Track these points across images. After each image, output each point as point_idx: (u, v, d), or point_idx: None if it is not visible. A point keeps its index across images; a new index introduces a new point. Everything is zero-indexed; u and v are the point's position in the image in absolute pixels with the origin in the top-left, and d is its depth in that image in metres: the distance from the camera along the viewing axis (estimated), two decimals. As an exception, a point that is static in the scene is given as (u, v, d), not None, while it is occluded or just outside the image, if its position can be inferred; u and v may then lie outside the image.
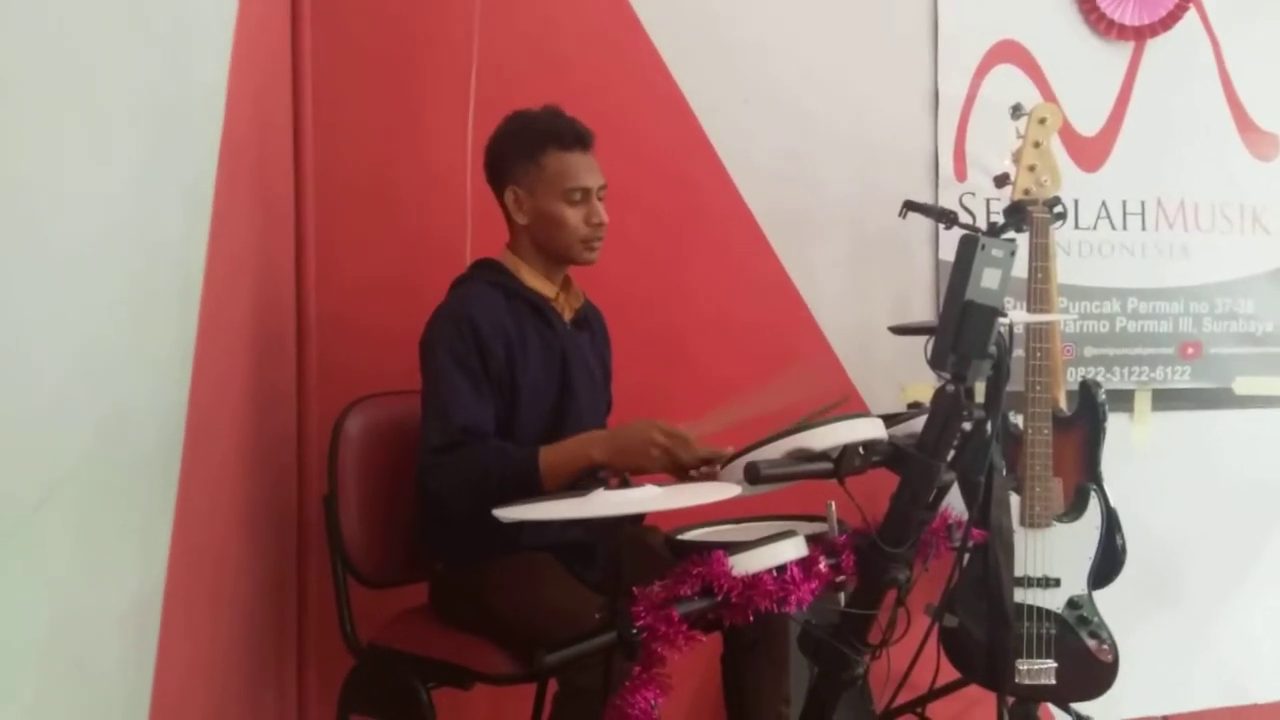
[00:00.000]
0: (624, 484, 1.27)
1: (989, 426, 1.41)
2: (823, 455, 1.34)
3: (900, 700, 1.70)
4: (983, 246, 1.37)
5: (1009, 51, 2.45)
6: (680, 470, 1.59)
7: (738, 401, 1.57)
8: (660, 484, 1.31)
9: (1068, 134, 2.44)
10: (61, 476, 0.94)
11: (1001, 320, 1.36)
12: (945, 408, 1.36)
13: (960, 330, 1.34)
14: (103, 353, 1.05)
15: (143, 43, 1.16)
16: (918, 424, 1.42)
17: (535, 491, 1.54)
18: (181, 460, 1.29)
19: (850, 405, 2.30)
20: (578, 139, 1.72)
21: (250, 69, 1.70)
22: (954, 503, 1.54)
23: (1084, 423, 2.22)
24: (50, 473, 0.92)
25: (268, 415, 1.85)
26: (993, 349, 1.35)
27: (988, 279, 1.38)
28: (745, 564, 1.24)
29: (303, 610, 2.08)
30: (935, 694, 1.87)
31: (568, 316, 1.80)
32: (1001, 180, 2.20)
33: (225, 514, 1.57)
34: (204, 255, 1.41)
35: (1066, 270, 2.41)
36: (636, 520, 1.70)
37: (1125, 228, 2.53)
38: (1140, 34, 2.49)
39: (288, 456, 2.04)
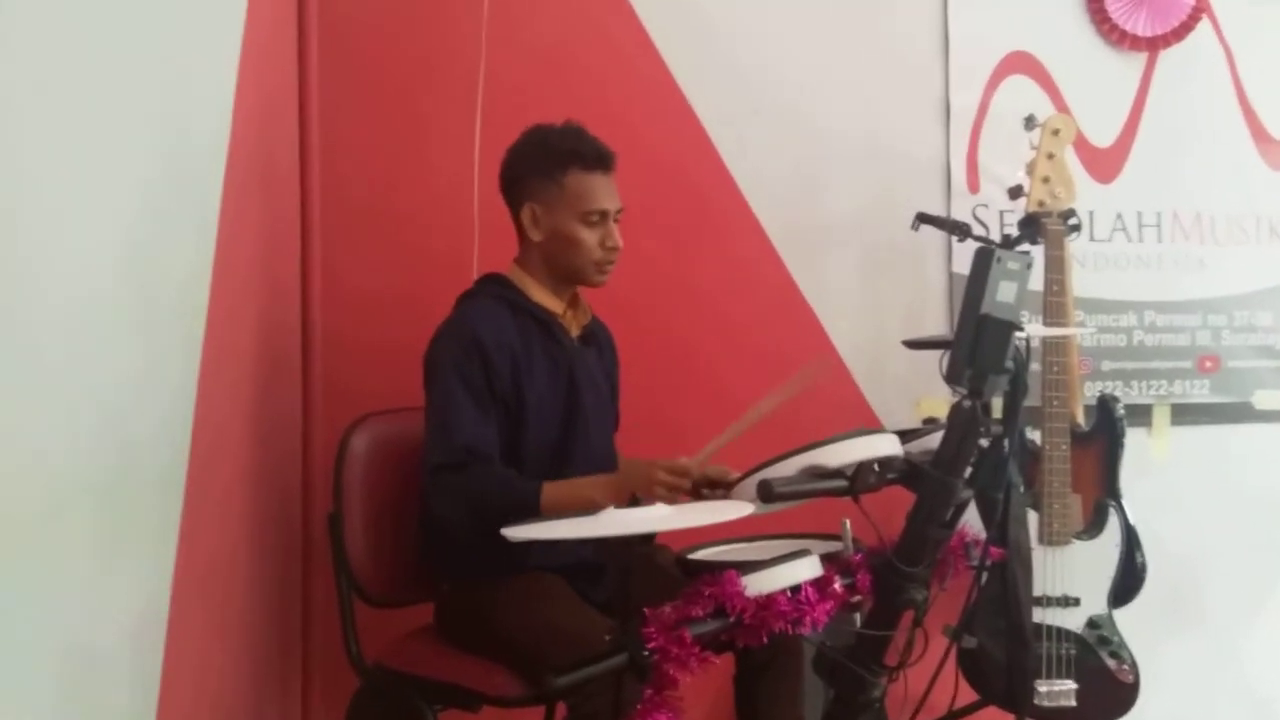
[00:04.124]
0: (634, 502, 1.24)
1: (1007, 443, 1.38)
2: (837, 472, 1.31)
3: (917, 723, 1.66)
4: (998, 259, 1.35)
5: (1020, 62, 2.44)
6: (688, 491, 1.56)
7: (737, 419, 1.55)
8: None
9: (1081, 145, 2.41)
10: (68, 494, 0.94)
11: (1018, 334, 1.33)
12: (962, 424, 1.33)
13: (977, 344, 1.32)
14: (109, 371, 1.05)
15: (149, 63, 1.16)
16: (934, 440, 1.39)
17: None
18: (187, 477, 1.28)
19: (858, 419, 2.30)
20: (600, 160, 1.70)
21: (256, 87, 1.69)
22: (971, 520, 1.51)
23: (1102, 438, 2.18)
24: (57, 491, 0.92)
25: (273, 432, 1.84)
26: (1010, 363, 1.32)
27: (1004, 292, 1.36)
28: (759, 584, 1.22)
29: (308, 629, 2.05)
30: (953, 716, 1.83)
31: (575, 332, 1.78)
32: (1016, 192, 2.18)
33: (230, 532, 1.56)
34: (210, 272, 1.40)
35: (1082, 283, 2.38)
36: (647, 540, 1.68)
37: (1141, 240, 2.50)
38: (1153, 44, 2.47)
39: (293, 473, 2.02)
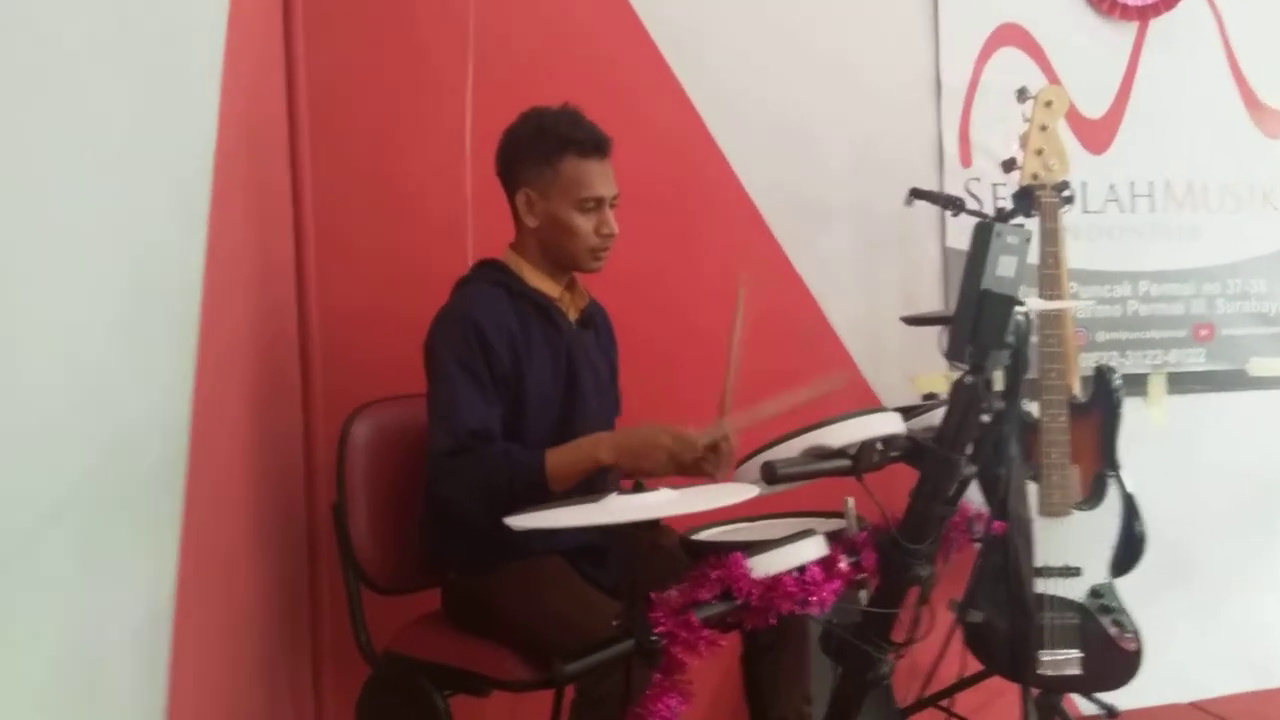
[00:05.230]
0: (638, 487, 1.24)
1: (1009, 418, 1.39)
2: (840, 452, 1.31)
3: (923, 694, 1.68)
4: (997, 234, 1.34)
5: (1011, 35, 2.43)
6: (686, 468, 1.56)
7: (755, 406, 1.54)
8: (675, 486, 1.28)
9: (1073, 117, 2.41)
10: (64, 494, 0.92)
11: (1019, 309, 1.33)
12: (964, 399, 1.33)
13: (977, 320, 1.31)
14: (101, 366, 1.03)
15: (133, 44, 1.14)
16: (936, 417, 1.39)
17: (543, 495, 1.51)
18: (187, 473, 1.27)
19: (856, 396, 2.30)
20: (596, 146, 1.68)
21: (243, 66, 1.66)
22: (971, 494, 1.51)
23: (1100, 409, 2.19)
24: (53, 491, 0.90)
25: (272, 424, 1.83)
26: (1011, 338, 1.32)
27: (1003, 267, 1.36)
28: (765, 565, 1.22)
29: (316, 620, 2.05)
30: (959, 686, 1.85)
31: (572, 316, 1.78)
32: (1009, 165, 2.18)
33: (233, 526, 1.56)
34: (202, 262, 1.38)
35: (1076, 254, 2.38)
36: (652, 525, 1.68)
37: (1134, 210, 2.51)
38: (1144, 13, 2.47)
39: (295, 465, 2.01)
